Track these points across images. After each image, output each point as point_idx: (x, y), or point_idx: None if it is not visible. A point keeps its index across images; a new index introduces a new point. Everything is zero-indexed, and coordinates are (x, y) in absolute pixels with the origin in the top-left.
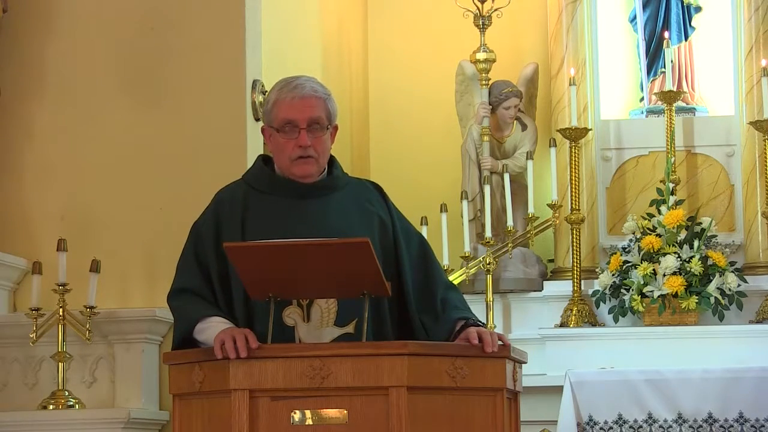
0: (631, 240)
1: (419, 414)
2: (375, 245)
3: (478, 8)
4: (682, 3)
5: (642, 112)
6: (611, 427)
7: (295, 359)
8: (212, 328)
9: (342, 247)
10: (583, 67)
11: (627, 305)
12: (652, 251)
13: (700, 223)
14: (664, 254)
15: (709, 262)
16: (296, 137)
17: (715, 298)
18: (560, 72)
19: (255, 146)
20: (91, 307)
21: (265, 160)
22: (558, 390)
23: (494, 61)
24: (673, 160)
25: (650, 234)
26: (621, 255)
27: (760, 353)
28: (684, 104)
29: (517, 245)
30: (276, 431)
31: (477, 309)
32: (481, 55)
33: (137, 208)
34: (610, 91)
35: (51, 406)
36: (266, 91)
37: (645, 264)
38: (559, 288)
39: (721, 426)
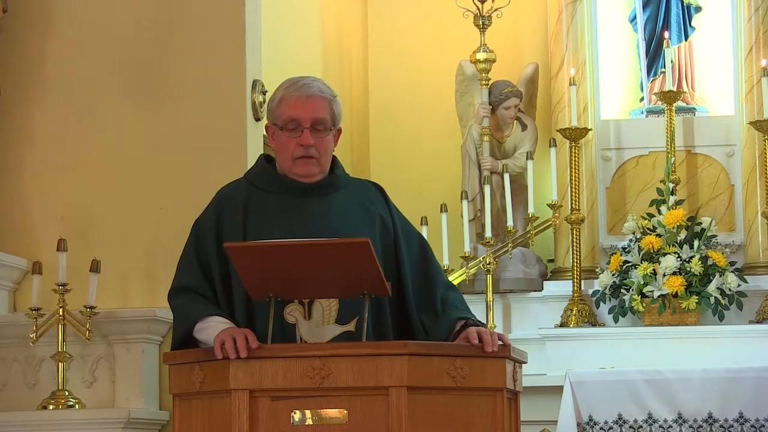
0: (631, 240)
1: (419, 414)
2: (376, 245)
3: (478, 8)
4: (682, 3)
5: (642, 112)
6: (611, 427)
7: (295, 359)
8: (212, 328)
9: (342, 247)
10: (583, 67)
11: (627, 305)
12: (652, 251)
13: (700, 223)
14: (664, 254)
15: (709, 262)
16: (299, 136)
17: (715, 298)
18: (560, 72)
19: (255, 146)
20: (91, 307)
21: (267, 159)
22: (558, 390)
23: (494, 61)
24: (673, 160)
25: (650, 234)
26: (621, 255)
27: (760, 353)
28: (684, 104)
29: (517, 245)
30: (276, 431)
31: (477, 309)
32: (481, 55)
33: (137, 208)
34: (610, 91)
35: (51, 406)
36: (266, 91)
37: (645, 264)
38: (559, 288)
39: (721, 426)
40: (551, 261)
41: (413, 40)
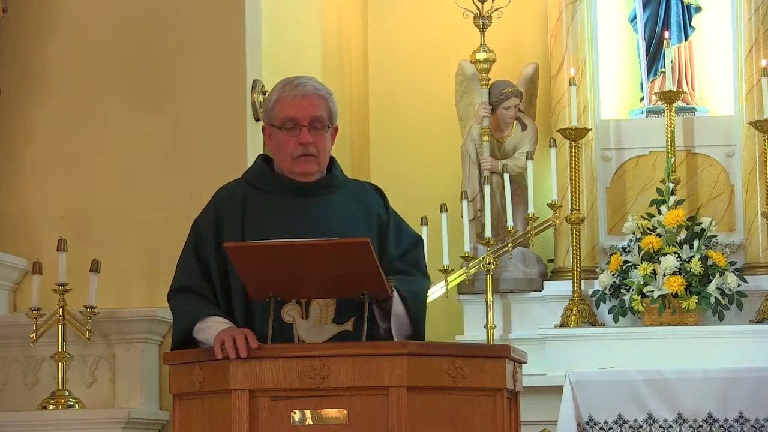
0: (631, 240)
1: (419, 414)
2: (374, 245)
3: (478, 8)
4: (682, 3)
5: (642, 112)
6: (611, 427)
7: (295, 359)
8: (212, 328)
9: (343, 247)
10: (583, 67)
11: (627, 305)
12: (652, 251)
13: (700, 223)
14: (664, 254)
15: (709, 262)
16: (298, 134)
17: (715, 298)
18: (560, 72)
19: (255, 146)
20: (91, 307)
21: (265, 160)
22: (558, 390)
23: (494, 61)
24: (673, 160)
25: (650, 234)
26: (621, 255)
27: (760, 353)
28: (684, 104)
29: (517, 245)
30: (276, 431)
31: (477, 309)
32: (481, 55)
33: (137, 208)
34: (610, 91)
35: (51, 406)
36: (266, 91)
37: (645, 264)
38: (559, 288)
39: (721, 426)
40: (551, 261)
41: (413, 40)
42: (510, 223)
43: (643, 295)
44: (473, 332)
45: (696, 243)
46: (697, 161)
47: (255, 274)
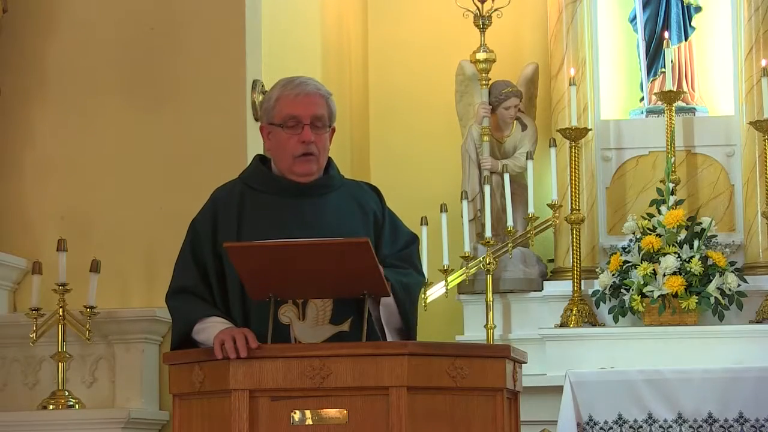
0: (631, 240)
1: (419, 414)
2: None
3: (478, 8)
4: (682, 3)
5: (642, 112)
6: (611, 427)
7: (295, 359)
8: (211, 328)
9: (342, 247)
10: (583, 67)
11: (627, 305)
12: (652, 251)
13: (700, 223)
14: (664, 254)
15: (709, 262)
16: (299, 133)
17: (715, 298)
18: (560, 72)
19: (255, 146)
20: (91, 307)
21: (262, 160)
22: (558, 390)
23: (494, 61)
24: (673, 160)
25: (650, 234)
26: (621, 255)
27: (760, 353)
28: (684, 104)
29: (517, 245)
30: (276, 431)
31: (477, 309)
32: (481, 55)
33: (137, 208)
34: (610, 91)
35: (51, 406)
36: (266, 91)
37: (645, 264)
38: (559, 288)
39: (721, 426)
40: (551, 261)
41: (413, 40)
42: (510, 223)
43: (643, 295)
44: (473, 332)
45: (696, 243)
46: (697, 161)
47: (255, 274)
